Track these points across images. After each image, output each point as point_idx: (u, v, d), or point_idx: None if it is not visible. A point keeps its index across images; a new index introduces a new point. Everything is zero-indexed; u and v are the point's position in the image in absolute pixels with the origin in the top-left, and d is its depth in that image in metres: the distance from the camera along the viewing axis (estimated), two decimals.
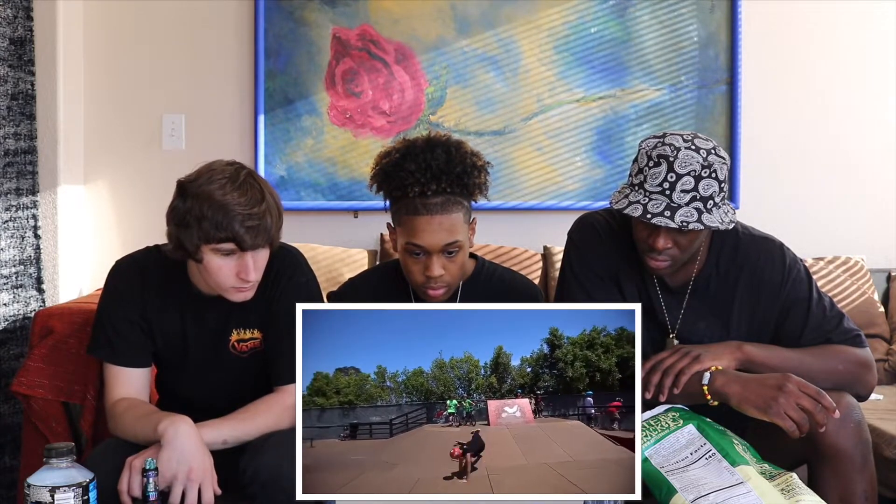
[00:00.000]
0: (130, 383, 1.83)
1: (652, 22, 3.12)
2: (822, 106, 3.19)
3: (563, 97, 3.12)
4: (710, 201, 1.70)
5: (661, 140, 1.74)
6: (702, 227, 1.69)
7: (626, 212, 1.72)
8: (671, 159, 1.70)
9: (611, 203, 1.79)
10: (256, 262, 1.75)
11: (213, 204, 1.68)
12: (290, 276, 1.86)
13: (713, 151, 1.72)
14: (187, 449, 1.61)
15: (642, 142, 1.79)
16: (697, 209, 1.69)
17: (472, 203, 1.90)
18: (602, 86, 3.12)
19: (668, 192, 1.69)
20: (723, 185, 1.72)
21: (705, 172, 1.69)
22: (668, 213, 1.68)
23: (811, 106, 3.19)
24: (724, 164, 1.73)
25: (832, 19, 3.18)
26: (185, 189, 1.72)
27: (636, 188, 1.74)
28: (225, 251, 1.71)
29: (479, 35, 3.10)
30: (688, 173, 1.69)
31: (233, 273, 1.73)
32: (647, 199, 1.71)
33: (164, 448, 1.61)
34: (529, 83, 3.11)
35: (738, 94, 3.11)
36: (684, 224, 1.68)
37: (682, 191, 1.69)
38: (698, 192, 1.69)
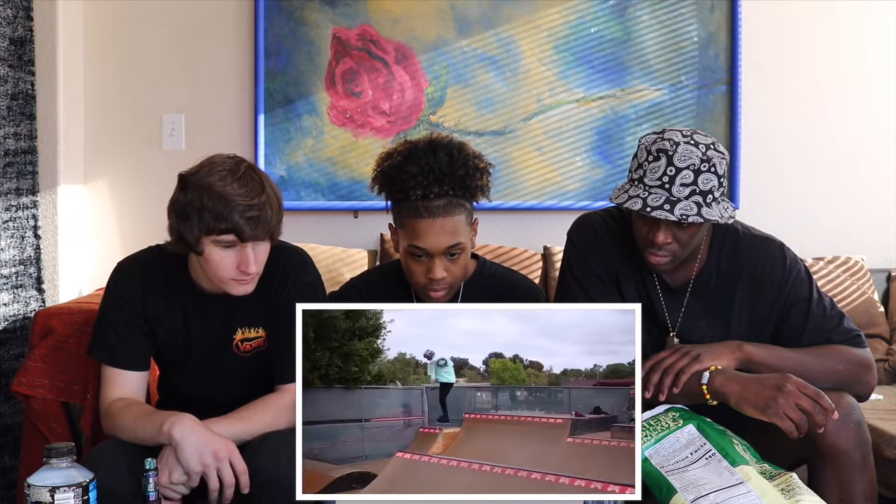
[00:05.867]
0: (127, 386, 1.83)
1: (652, 22, 3.11)
2: (822, 106, 3.19)
3: (563, 97, 3.12)
4: (710, 195, 1.70)
5: (661, 135, 1.75)
6: (701, 221, 1.69)
7: (625, 206, 1.73)
8: (670, 153, 1.70)
9: (610, 199, 1.79)
10: (257, 255, 1.75)
11: (214, 195, 1.68)
12: (297, 275, 1.87)
13: (712, 146, 1.73)
14: (201, 439, 1.62)
15: (642, 138, 1.80)
16: (697, 203, 1.69)
17: (473, 203, 1.90)
18: (602, 86, 3.12)
19: (667, 186, 1.70)
20: (722, 179, 1.73)
21: (704, 167, 1.70)
22: (667, 207, 1.68)
23: (811, 106, 3.18)
24: (723, 158, 1.73)
25: (832, 19, 3.17)
26: (186, 181, 1.73)
27: (636, 183, 1.75)
28: (225, 243, 1.71)
29: (479, 35, 3.09)
30: (687, 167, 1.69)
31: (233, 265, 1.73)
32: (646, 193, 1.71)
33: (178, 449, 1.61)
34: (529, 83, 3.11)
35: (738, 94, 3.11)
36: (683, 217, 1.68)
37: (682, 184, 1.69)
38: (697, 185, 1.69)
